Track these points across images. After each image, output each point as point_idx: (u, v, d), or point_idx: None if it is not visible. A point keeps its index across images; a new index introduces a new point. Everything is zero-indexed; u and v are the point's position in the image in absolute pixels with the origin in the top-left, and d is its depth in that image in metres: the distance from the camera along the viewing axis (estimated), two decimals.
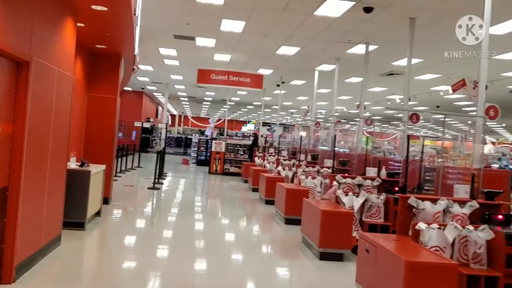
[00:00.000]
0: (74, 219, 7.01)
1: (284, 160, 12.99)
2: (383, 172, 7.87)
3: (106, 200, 9.09)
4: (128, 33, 7.57)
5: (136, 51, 10.12)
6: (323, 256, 6.51)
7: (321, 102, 26.13)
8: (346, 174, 8.45)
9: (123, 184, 13.57)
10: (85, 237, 7.01)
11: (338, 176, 7.58)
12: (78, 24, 6.70)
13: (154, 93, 33.49)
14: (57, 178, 5.90)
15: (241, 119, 56.45)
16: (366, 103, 15.19)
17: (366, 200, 7.12)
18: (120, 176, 14.73)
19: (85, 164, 7.48)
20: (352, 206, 7.06)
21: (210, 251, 7.03)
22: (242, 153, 19.73)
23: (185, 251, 6.77)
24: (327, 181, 9.20)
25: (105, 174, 8.66)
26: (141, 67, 18.29)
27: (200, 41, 13.71)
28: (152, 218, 9.62)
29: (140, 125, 23.98)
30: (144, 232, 8.20)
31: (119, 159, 15.46)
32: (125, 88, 25.25)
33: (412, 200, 5.09)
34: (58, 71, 5.54)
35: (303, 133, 25.31)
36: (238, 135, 32.62)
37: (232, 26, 11.52)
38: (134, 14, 7.08)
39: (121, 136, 25.51)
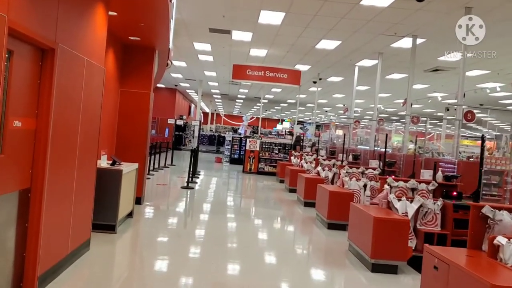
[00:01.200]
0: (105, 222, 6.58)
1: (324, 160, 12.31)
2: (439, 175, 7.13)
3: (138, 200, 8.67)
4: (163, 22, 7.07)
5: (171, 44, 9.64)
6: (376, 268, 5.84)
7: (357, 100, 25.29)
8: (393, 176, 7.76)
9: (156, 183, 13.20)
10: (116, 240, 6.55)
11: (389, 179, 6.88)
12: (110, 13, 6.25)
13: (187, 90, 33.25)
14: (86, 178, 5.43)
15: (274, 117, 55.96)
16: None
17: (421, 206, 6.45)
18: (153, 175, 14.39)
19: (117, 163, 7.03)
20: (406, 212, 6.38)
21: (246, 257, 6.46)
22: (277, 151, 19.13)
23: (219, 256, 6.25)
24: (374, 183, 8.53)
25: (138, 173, 8.20)
26: (175, 62, 17.95)
27: (236, 35, 13.18)
28: (185, 220, 9.13)
29: (173, 122, 23.68)
30: (177, 235, 7.70)
31: (152, 157, 15.12)
32: (158, 85, 25.07)
33: (487, 209, 4.39)
34: (88, 61, 5.06)
35: (340, 132, 24.53)
36: (272, 133, 32.00)
37: (271, 18, 10.94)
38: (170, 1, 6.57)
39: (154, 133, 25.32)
